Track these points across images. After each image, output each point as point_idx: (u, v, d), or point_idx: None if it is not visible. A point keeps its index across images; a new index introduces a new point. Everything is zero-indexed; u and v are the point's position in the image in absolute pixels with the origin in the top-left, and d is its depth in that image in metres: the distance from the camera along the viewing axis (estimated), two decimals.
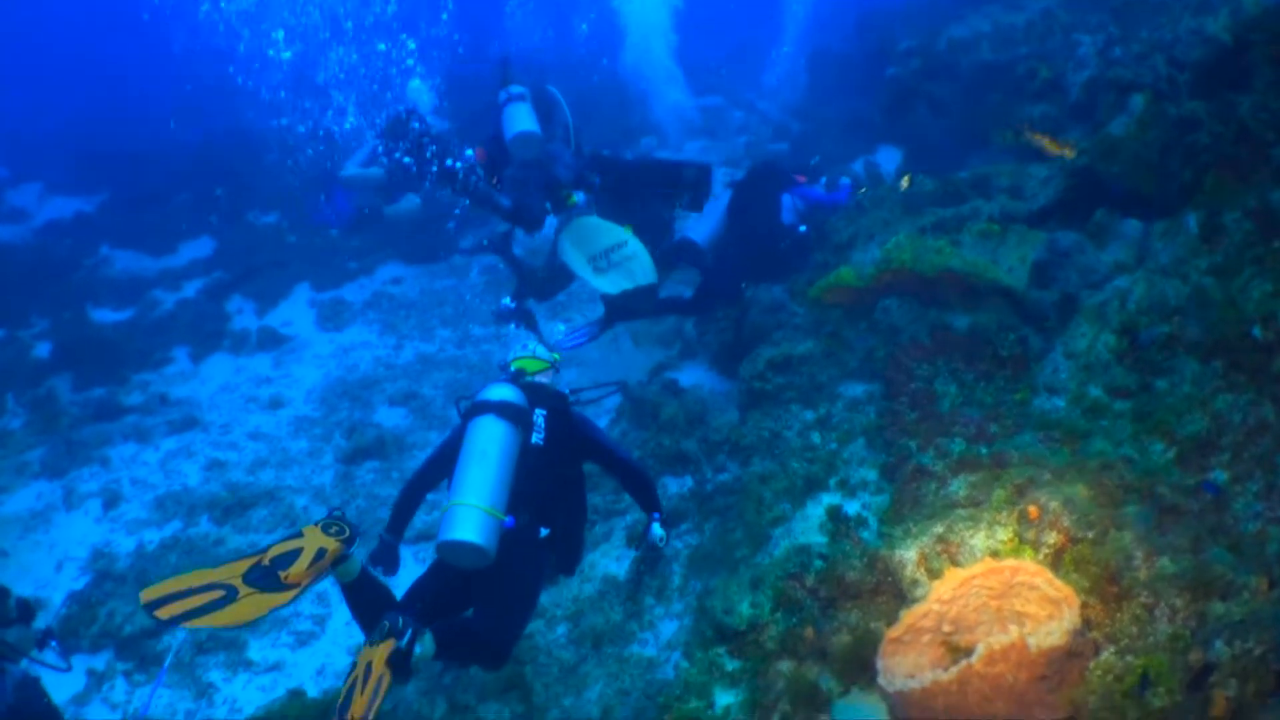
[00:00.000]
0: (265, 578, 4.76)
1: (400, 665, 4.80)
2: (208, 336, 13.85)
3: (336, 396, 12.12)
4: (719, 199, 10.40)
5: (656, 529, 6.22)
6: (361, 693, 4.63)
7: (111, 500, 10.42)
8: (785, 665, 4.98)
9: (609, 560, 8.16)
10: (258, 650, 8.34)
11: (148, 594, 4.58)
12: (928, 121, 13.01)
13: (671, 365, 11.22)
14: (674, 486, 8.79)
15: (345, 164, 13.60)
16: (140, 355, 13.47)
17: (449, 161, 9.00)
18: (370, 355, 13.18)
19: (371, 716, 4.57)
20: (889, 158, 14.37)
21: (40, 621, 8.11)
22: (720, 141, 19.21)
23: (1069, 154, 8.85)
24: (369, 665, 4.75)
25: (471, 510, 5.37)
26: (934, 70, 13.06)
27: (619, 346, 11.46)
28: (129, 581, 9.03)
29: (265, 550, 4.89)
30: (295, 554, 4.88)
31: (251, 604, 4.64)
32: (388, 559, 6.20)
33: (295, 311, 14.62)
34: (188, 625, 4.60)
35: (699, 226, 10.30)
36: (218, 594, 4.62)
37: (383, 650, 4.82)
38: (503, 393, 5.95)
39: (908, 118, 13.43)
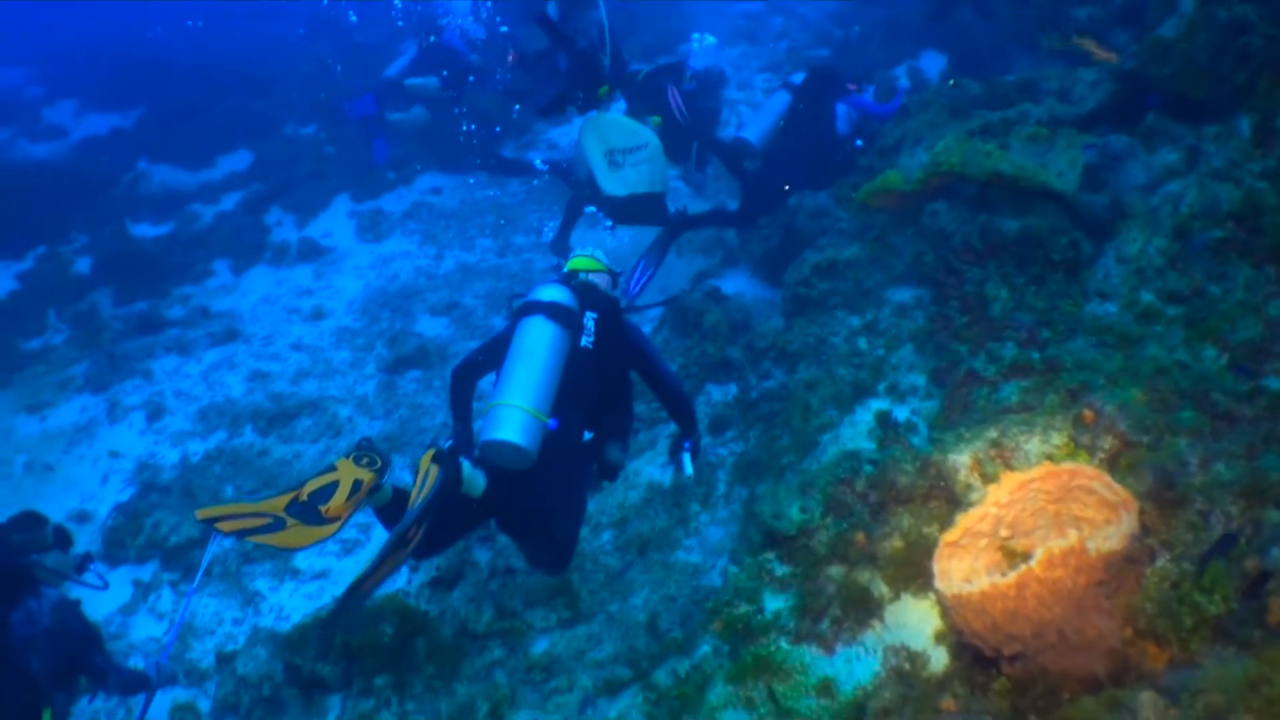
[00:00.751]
0: (306, 512, 4.78)
1: (449, 464, 5.13)
2: (248, 249, 13.93)
3: (378, 307, 12.17)
4: (773, 97, 10.36)
5: (688, 463, 6.26)
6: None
7: (155, 412, 10.58)
8: (836, 570, 4.99)
9: (653, 468, 8.17)
10: (303, 559, 8.46)
11: (202, 513, 4.62)
12: (973, 24, 12.74)
13: (714, 273, 11.16)
14: (718, 394, 8.79)
15: (390, 68, 13.83)
16: (181, 269, 13.59)
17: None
18: (411, 265, 13.19)
19: (418, 502, 4.84)
20: (933, 63, 14.16)
21: (86, 534, 8.32)
22: (760, 47, 18.98)
23: (1113, 60, 8.65)
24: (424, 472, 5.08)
25: (514, 410, 5.37)
26: None
27: None
28: (174, 493, 9.22)
29: (301, 486, 4.90)
30: (331, 488, 4.90)
31: (298, 534, 4.67)
32: (464, 446, 6.04)
33: (335, 223, 14.63)
34: (243, 539, 4.64)
35: (754, 126, 10.22)
36: (266, 519, 4.65)
37: (427, 455, 5.18)
38: (554, 293, 5.89)
39: (952, 20, 13.15)
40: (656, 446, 8.42)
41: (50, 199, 15.46)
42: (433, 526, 5.05)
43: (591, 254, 6.64)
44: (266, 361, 11.27)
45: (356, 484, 4.97)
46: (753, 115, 10.46)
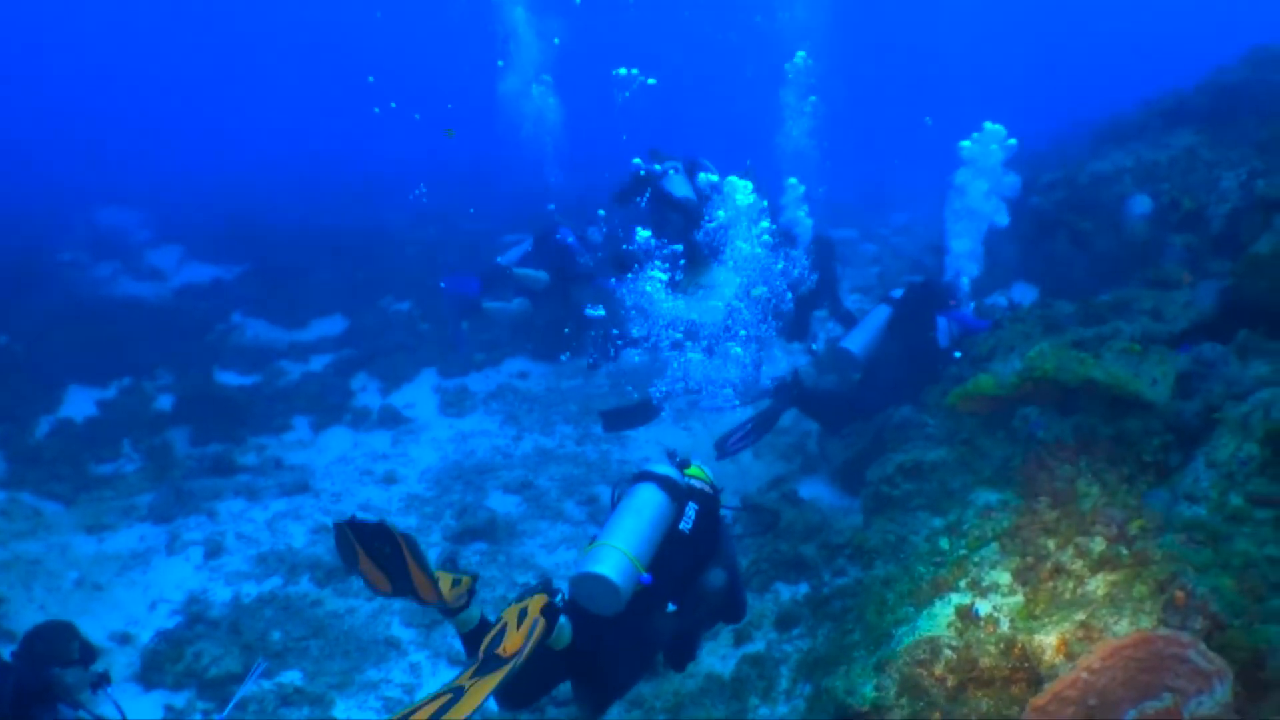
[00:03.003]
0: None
1: (552, 619, 5.17)
2: (329, 409, 14.06)
3: (451, 479, 12.14)
4: (874, 310, 10.58)
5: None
6: (517, 629, 4.94)
7: (214, 550, 10.49)
8: None
9: (714, 659, 8.05)
10: (343, 709, 8.28)
11: None
12: (1068, 253, 12.88)
13: (792, 478, 11.12)
14: (786, 593, 8.76)
15: (504, 256, 13.80)
16: (261, 419, 13.70)
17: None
18: (489, 443, 13.22)
19: (525, 656, 4.84)
20: (1024, 293, 14.21)
21: (125, 655, 8.23)
22: (853, 269, 19.24)
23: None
24: (523, 611, 5.14)
25: (616, 552, 5.52)
26: (1077, 203, 12.97)
27: (737, 457, 11.23)
28: (222, 628, 9.09)
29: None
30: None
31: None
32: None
33: (419, 395, 14.79)
34: None
35: (855, 337, 10.42)
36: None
37: (537, 601, 5.20)
38: (667, 469, 6.23)
39: (1047, 249, 13.31)
40: (719, 638, 8.29)
41: (143, 336, 15.74)
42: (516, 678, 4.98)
43: (702, 466, 6.81)
44: (333, 517, 11.02)
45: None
46: (854, 327, 10.61)
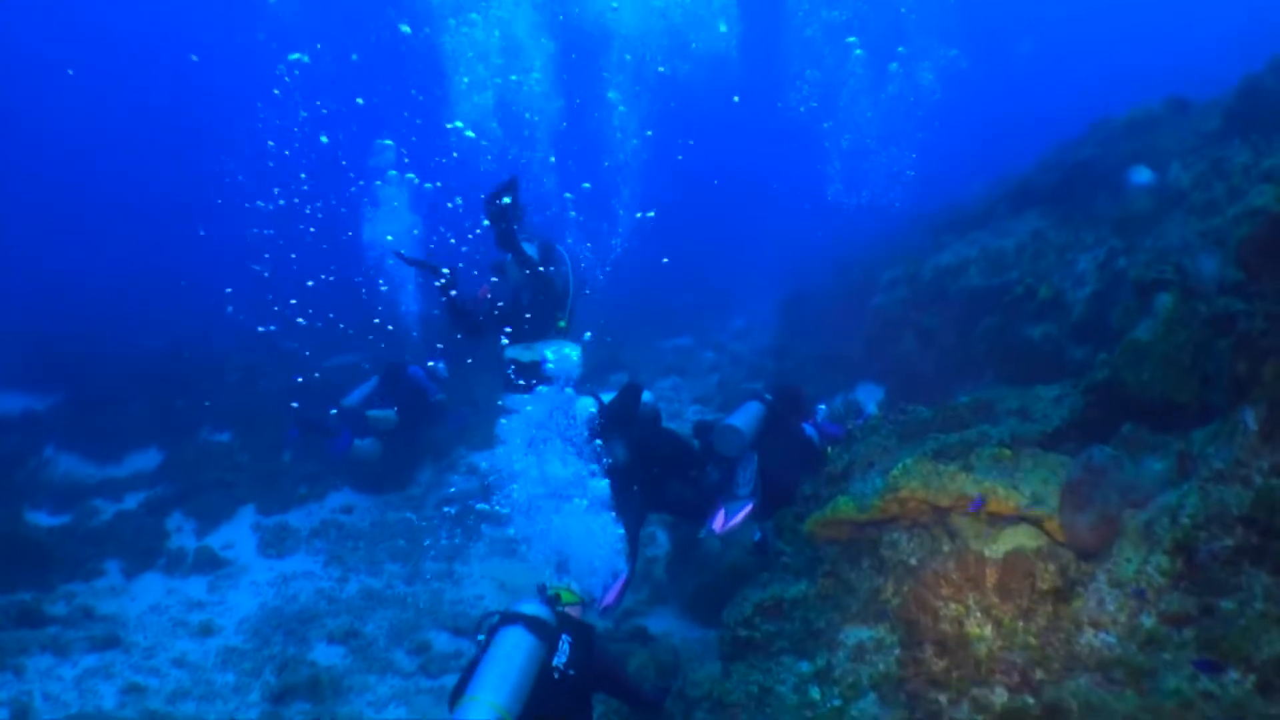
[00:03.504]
0: None
1: None
2: (143, 552, 13.20)
3: (271, 628, 11.34)
4: (750, 405, 9.75)
5: None
6: None
7: (20, 713, 9.55)
8: None
9: None
10: None
11: None
12: (915, 352, 12.38)
13: (639, 611, 10.66)
14: None
15: (351, 396, 14.23)
16: (71, 563, 12.82)
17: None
18: (312, 586, 12.45)
19: None
20: (869, 394, 13.84)
21: None
22: (691, 379, 19.39)
23: None
24: None
25: (485, 708, 5.50)
26: (921, 299, 12.53)
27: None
28: None
29: None
30: None
31: None
32: None
33: (237, 534, 14.01)
34: None
35: (738, 417, 9.55)
36: None
37: None
38: (535, 608, 6.29)
39: (894, 349, 12.76)
40: None
41: None
42: None
43: (569, 585, 7.01)
44: (145, 675, 10.30)
45: None
46: (732, 412, 9.78)
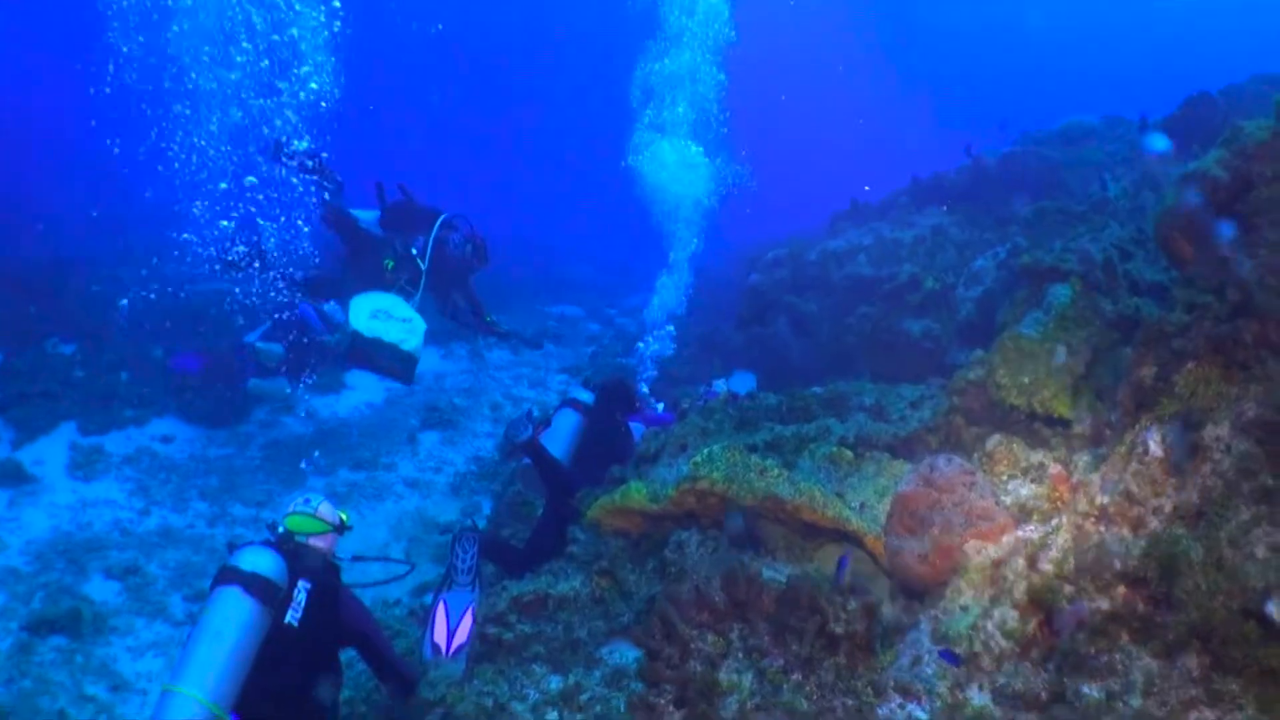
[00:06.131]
0: None
1: None
2: None
3: (56, 553, 10.63)
4: (560, 415, 9.03)
5: None
6: None
7: None
8: None
9: None
10: None
11: None
12: (788, 339, 11.07)
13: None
14: None
15: (252, 334, 13.50)
16: None
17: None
18: (111, 515, 11.58)
19: None
20: (744, 381, 12.65)
21: None
22: (566, 348, 19.00)
23: None
24: None
25: (188, 702, 4.73)
26: (802, 283, 11.35)
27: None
28: None
29: None
30: None
31: None
32: None
33: (52, 450, 13.00)
34: None
35: (554, 440, 8.69)
36: None
37: None
38: (257, 560, 5.28)
39: (765, 333, 11.46)
40: None
41: None
42: None
43: (314, 511, 5.83)
44: None
45: None
46: (551, 430, 8.91)
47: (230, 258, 10.63)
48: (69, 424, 13.73)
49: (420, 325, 10.23)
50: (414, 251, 10.92)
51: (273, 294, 13.10)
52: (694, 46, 13.42)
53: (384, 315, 10.11)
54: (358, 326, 9.99)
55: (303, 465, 12.72)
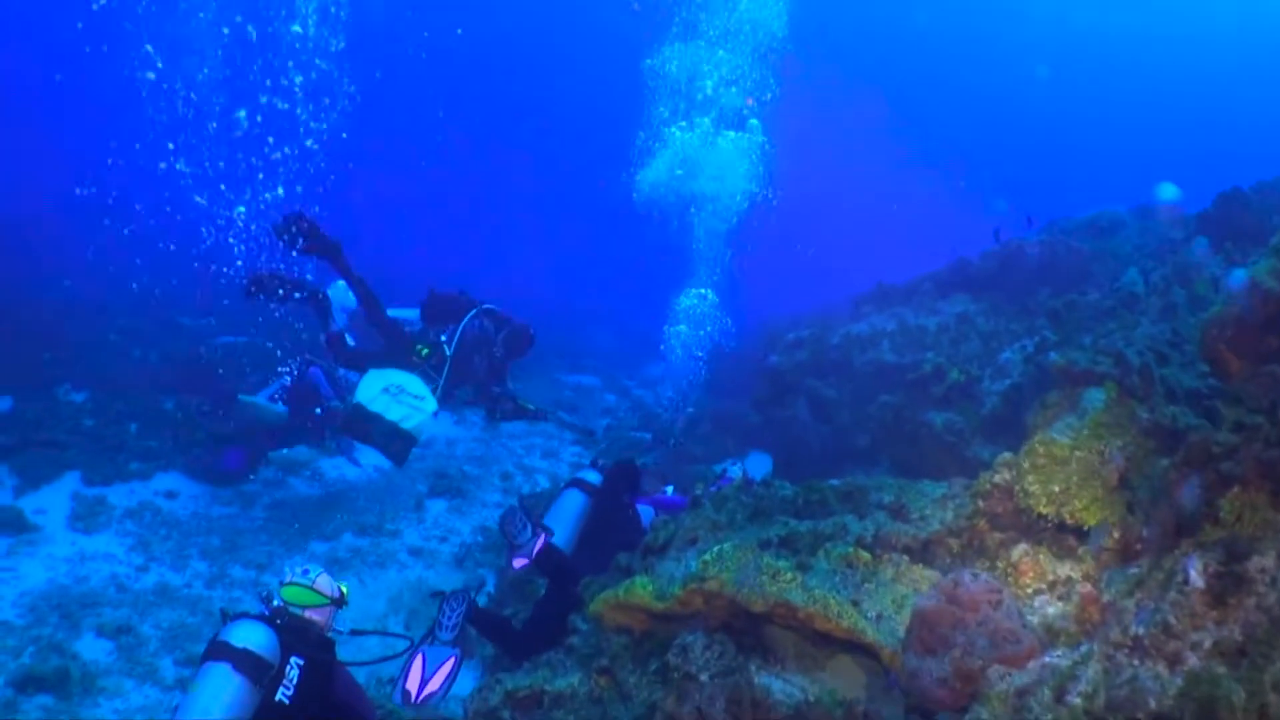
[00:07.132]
0: None
1: None
2: None
3: (50, 607, 10.40)
4: (565, 497, 8.94)
5: None
6: None
7: None
8: None
9: None
10: None
11: None
12: (807, 423, 10.87)
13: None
14: None
15: (262, 394, 13.57)
16: None
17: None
18: (108, 570, 11.38)
19: None
20: (760, 464, 12.42)
21: None
22: (582, 419, 18.34)
23: None
24: None
25: None
26: (823, 366, 11.16)
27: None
28: None
29: None
30: None
31: None
32: None
33: (54, 500, 12.82)
34: None
35: (558, 522, 8.62)
36: None
37: None
38: (249, 636, 5.17)
39: (783, 416, 11.25)
40: None
41: None
42: None
43: (312, 583, 5.78)
44: None
45: None
46: (554, 518, 8.76)
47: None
48: (73, 473, 13.58)
49: (430, 406, 10.17)
50: (443, 339, 10.91)
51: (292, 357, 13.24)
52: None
53: (396, 390, 10.07)
54: (364, 399, 9.98)
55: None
